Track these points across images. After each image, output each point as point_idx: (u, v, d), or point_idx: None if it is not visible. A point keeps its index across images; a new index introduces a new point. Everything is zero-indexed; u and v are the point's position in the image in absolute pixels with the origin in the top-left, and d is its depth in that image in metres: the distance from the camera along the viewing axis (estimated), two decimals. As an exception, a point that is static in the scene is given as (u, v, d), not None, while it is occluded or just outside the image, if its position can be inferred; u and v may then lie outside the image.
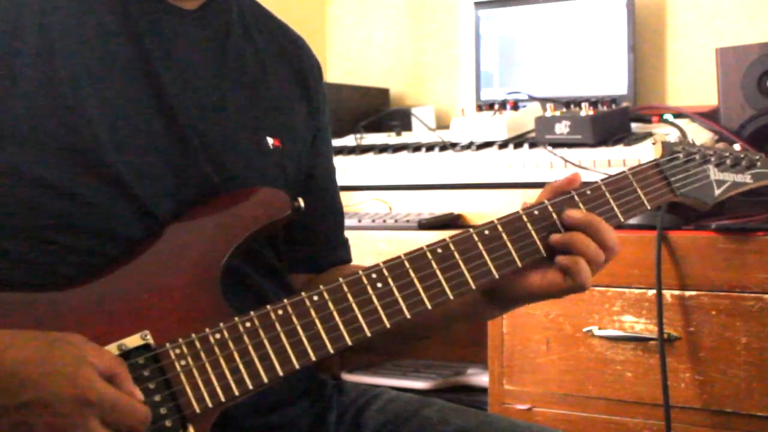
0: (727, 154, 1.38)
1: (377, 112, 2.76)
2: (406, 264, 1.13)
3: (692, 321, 1.82)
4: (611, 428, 1.90)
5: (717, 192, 1.34)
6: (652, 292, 1.85)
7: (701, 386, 1.81)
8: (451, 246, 1.15)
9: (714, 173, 1.35)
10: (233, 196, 1.17)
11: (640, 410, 1.87)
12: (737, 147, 1.42)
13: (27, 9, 1.12)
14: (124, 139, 1.12)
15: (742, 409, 1.78)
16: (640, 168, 1.28)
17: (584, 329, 1.92)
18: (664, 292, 1.84)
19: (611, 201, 1.23)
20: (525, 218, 1.18)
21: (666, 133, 2.11)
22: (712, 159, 1.35)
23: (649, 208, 1.26)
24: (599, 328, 1.90)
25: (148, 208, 1.12)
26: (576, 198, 1.21)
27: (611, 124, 2.13)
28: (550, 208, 1.19)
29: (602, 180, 1.24)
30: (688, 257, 1.83)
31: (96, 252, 1.10)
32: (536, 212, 1.19)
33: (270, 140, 1.24)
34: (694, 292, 1.83)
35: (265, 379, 1.04)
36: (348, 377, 2.40)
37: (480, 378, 2.29)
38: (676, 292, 1.84)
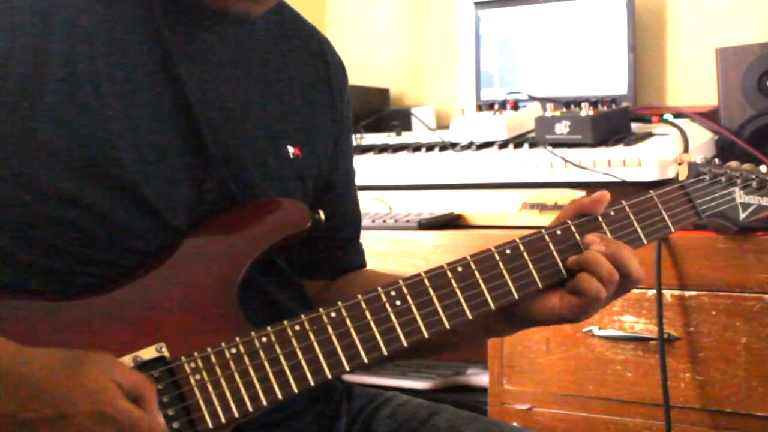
0: (754, 176, 1.37)
1: (377, 112, 2.76)
2: (426, 282, 1.11)
3: (692, 321, 1.82)
4: (611, 428, 1.90)
5: (742, 216, 1.33)
6: (652, 292, 1.85)
7: (701, 386, 1.81)
8: (472, 264, 1.14)
9: (740, 196, 1.34)
10: (253, 208, 1.16)
11: (640, 410, 1.87)
12: (763, 168, 1.41)
13: (56, 12, 1.09)
14: (143, 151, 1.10)
15: (742, 409, 1.78)
16: (666, 190, 1.27)
17: (584, 329, 1.92)
18: (664, 292, 1.84)
19: (635, 223, 1.22)
20: (547, 238, 1.17)
21: (666, 133, 2.11)
22: (738, 181, 1.34)
23: (673, 230, 1.25)
24: (599, 328, 1.90)
25: (166, 220, 1.11)
26: (600, 219, 1.20)
27: (611, 124, 2.13)
28: (573, 229, 1.18)
29: (627, 201, 1.23)
30: (688, 257, 1.83)
31: (114, 264, 1.08)
32: (558, 232, 1.18)
33: (290, 149, 1.22)
34: (694, 292, 1.82)
35: (280, 396, 1.04)
36: (348, 377, 2.40)
37: (480, 378, 2.29)
38: (676, 292, 1.84)
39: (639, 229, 1.22)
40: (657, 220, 1.24)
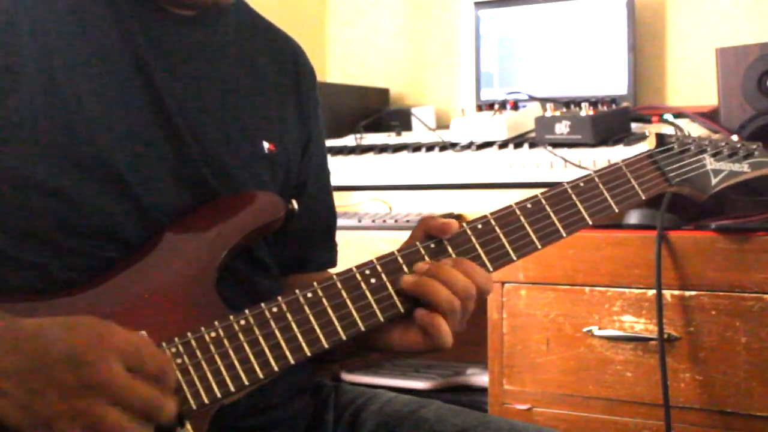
0: (723, 144, 1.37)
1: (377, 112, 2.76)
2: (400, 260, 1.15)
3: (692, 321, 1.82)
4: (611, 428, 1.90)
5: (714, 181, 1.33)
6: (652, 292, 1.85)
7: (701, 386, 1.81)
8: (445, 241, 1.18)
9: (710, 163, 1.34)
10: (230, 201, 1.19)
11: (640, 410, 1.87)
12: (735, 138, 1.41)
13: (21, 7, 1.11)
14: (122, 141, 1.13)
15: (742, 409, 1.78)
16: (634, 159, 1.28)
17: (584, 329, 1.92)
18: (664, 292, 1.84)
19: (605, 192, 1.23)
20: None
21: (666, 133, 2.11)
22: (708, 149, 1.35)
23: (644, 197, 1.26)
24: (599, 328, 1.90)
25: (146, 209, 1.13)
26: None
27: (611, 124, 2.13)
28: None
29: (596, 171, 1.24)
30: (688, 257, 1.83)
31: (95, 255, 1.10)
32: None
33: (266, 144, 1.26)
34: (694, 292, 1.82)
35: (261, 375, 1.06)
36: (348, 377, 2.40)
37: (480, 378, 2.29)
38: (676, 292, 1.84)
39: (609, 198, 1.23)
40: (627, 188, 1.25)
